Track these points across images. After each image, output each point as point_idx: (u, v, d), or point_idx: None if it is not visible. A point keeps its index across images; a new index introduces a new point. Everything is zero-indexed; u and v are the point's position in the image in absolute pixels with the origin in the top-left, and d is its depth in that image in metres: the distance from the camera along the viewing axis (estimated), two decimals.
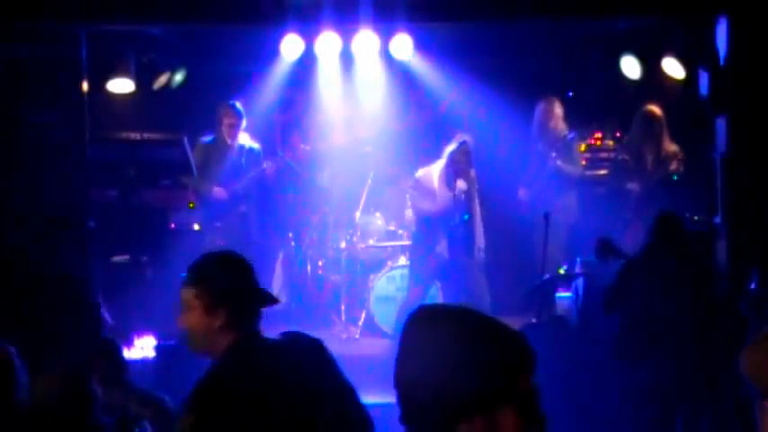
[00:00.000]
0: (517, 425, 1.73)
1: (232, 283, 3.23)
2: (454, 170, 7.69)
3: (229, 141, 8.58)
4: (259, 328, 3.28)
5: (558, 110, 8.67)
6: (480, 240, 7.92)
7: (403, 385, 1.76)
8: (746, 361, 1.99)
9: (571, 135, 8.64)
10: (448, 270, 7.88)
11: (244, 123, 8.62)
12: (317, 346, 3.33)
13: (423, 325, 1.78)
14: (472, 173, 7.74)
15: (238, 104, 8.61)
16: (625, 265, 6.13)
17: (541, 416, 1.77)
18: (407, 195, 8.11)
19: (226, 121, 8.56)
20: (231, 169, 8.58)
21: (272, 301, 3.32)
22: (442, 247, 7.81)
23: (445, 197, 7.71)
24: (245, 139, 8.66)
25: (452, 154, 7.71)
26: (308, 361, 3.26)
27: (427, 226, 7.84)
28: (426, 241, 7.86)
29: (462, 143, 7.72)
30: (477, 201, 7.84)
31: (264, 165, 8.68)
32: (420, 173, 7.88)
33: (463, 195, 7.68)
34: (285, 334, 3.34)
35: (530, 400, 1.75)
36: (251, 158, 8.67)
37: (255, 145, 8.73)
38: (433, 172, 7.77)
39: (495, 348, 1.74)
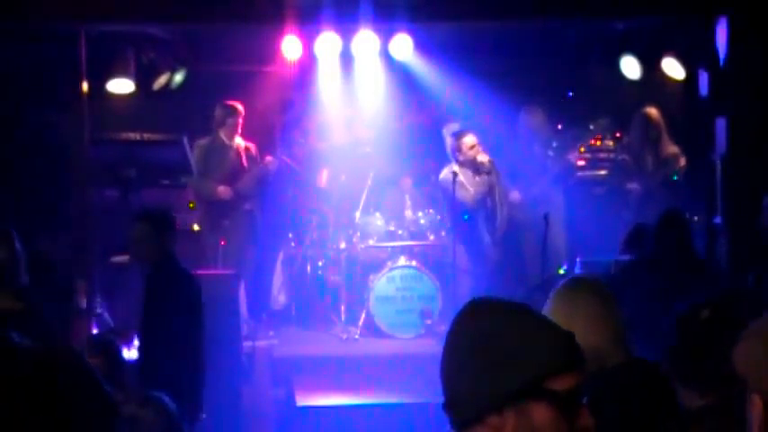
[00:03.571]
0: (554, 422, 1.72)
1: None
2: (472, 162, 8.02)
3: (229, 142, 8.59)
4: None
5: (542, 115, 8.89)
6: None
7: (442, 373, 1.80)
8: (736, 357, 2.00)
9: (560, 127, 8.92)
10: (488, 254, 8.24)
11: None
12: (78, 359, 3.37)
13: (466, 316, 1.80)
14: (487, 158, 8.01)
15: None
16: (628, 264, 6.11)
17: (583, 415, 1.74)
18: (443, 186, 8.33)
19: (230, 120, 8.55)
20: (233, 169, 8.59)
21: None
22: (482, 232, 8.19)
23: (477, 185, 8.06)
24: (239, 139, 8.68)
25: (462, 150, 8.01)
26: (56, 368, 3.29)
27: (469, 216, 8.15)
28: (471, 232, 8.17)
29: (458, 133, 8.11)
30: (497, 186, 8.13)
31: (267, 160, 8.69)
32: (444, 173, 8.16)
33: (485, 186, 8.03)
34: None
35: (569, 400, 1.73)
36: (250, 157, 8.68)
37: (251, 144, 8.75)
38: (454, 168, 8.03)
39: (526, 345, 1.73)
